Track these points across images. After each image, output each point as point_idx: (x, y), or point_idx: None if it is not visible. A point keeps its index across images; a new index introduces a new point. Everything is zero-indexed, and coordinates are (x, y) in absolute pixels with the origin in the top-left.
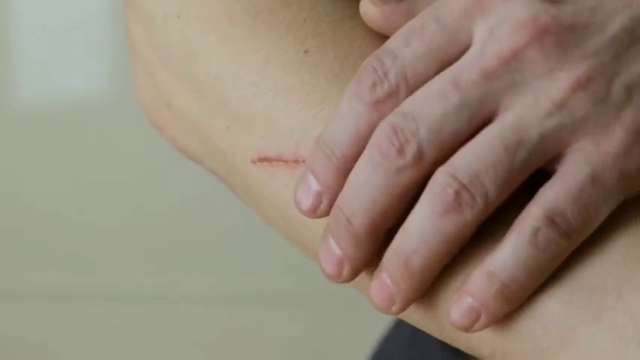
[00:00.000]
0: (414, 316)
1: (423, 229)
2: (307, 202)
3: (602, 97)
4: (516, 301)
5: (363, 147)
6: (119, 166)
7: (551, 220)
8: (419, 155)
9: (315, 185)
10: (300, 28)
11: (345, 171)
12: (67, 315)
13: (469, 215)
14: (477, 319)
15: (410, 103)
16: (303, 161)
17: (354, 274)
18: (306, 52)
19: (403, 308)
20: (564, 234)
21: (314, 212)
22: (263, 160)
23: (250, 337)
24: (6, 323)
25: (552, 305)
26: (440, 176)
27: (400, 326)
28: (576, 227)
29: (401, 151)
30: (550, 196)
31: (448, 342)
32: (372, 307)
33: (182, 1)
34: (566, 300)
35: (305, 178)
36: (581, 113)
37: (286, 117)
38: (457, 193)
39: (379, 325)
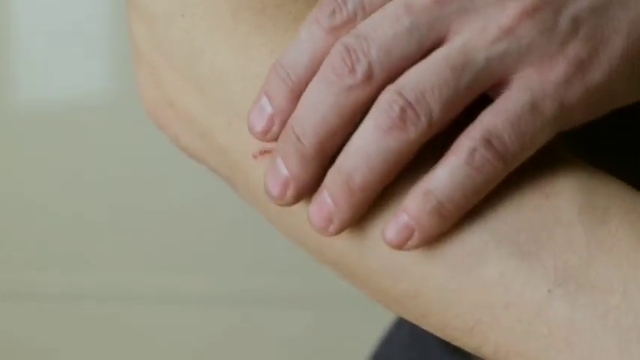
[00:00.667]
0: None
1: (366, 145)
2: (260, 124)
3: (549, 27)
4: (450, 220)
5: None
6: (119, 166)
7: (488, 141)
8: (369, 74)
9: (268, 108)
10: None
11: (298, 94)
12: (67, 315)
13: (413, 133)
14: (409, 236)
15: (364, 25)
16: None
17: (297, 197)
18: None
19: (340, 228)
20: (500, 156)
21: (265, 135)
22: (265, 152)
23: (250, 337)
24: (6, 323)
25: (557, 304)
26: (387, 94)
27: (400, 326)
28: (512, 151)
29: (352, 70)
30: (489, 119)
31: (452, 341)
32: (372, 307)
33: (186, 1)
34: (571, 299)
35: (259, 101)
36: (527, 41)
37: None
38: (402, 110)
39: (379, 325)
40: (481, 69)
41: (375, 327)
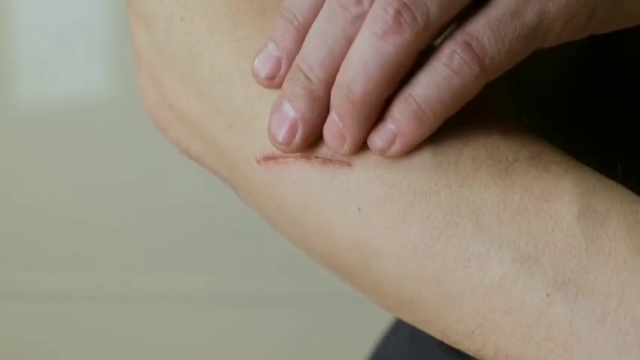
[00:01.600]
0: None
1: (362, 54)
2: (265, 69)
3: None
4: (428, 126)
5: None
6: (119, 166)
7: (468, 44)
8: (374, 1)
9: (274, 52)
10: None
11: (304, 34)
12: (66, 315)
13: (408, 35)
14: (392, 141)
15: None
16: (316, 157)
17: (306, 140)
18: None
19: (354, 145)
20: (478, 59)
21: (272, 80)
22: (269, 158)
23: (249, 337)
24: (6, 323)
25: (556, 309)
26: (381, 0)
27: (400, 326)
28: (490, 55)
29: (358, 1)
30: (471, 23)
31: (453, 344)
32: (372, 307)
33: (186, 4)
34: (570, 303)
35: (265, 46)
36: None
37: None
38: (397, 12)
39: (379, 325)
40: None
41: (375, 327)
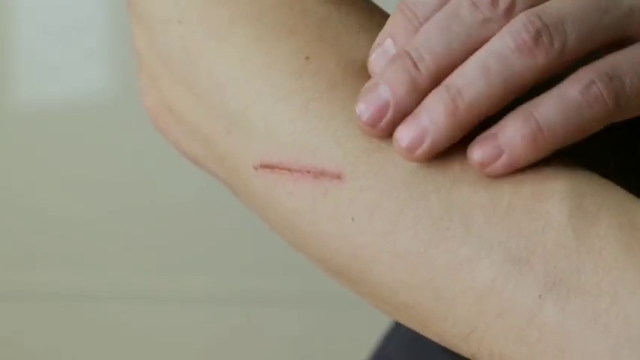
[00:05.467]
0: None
1: (487, 61)
2: (380, 64)
3: None
4: (542, 151)
5: None
6: (119, 166)
7: (610, 77)
8: (510, 7)
9: (391, 49)
10: (303, 33)
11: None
12: (67, 315)
13: (541, 59)
14: (496, 159)
15: None
16: (307, 171)
17: (393, 126)
18: (307, 58)
19: (430, 151)
20: (615, 95)
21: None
22: (265, 166)
23: (250, 337)
24: (6, 323)
25: (548, 310)
26: (524, 16)
27: (400, 326)
28: (628, 95)
29: (494, 3)
30: (616, 57)
31: (450, 347)
32: (372, 308)
33: (184, 7)
34: (562, 304)
35: (382, 43)
36: None
37: (287, 124)
38: (537, 32)
39: (379, 325)
40: (623, 16)
41: (375, 327)
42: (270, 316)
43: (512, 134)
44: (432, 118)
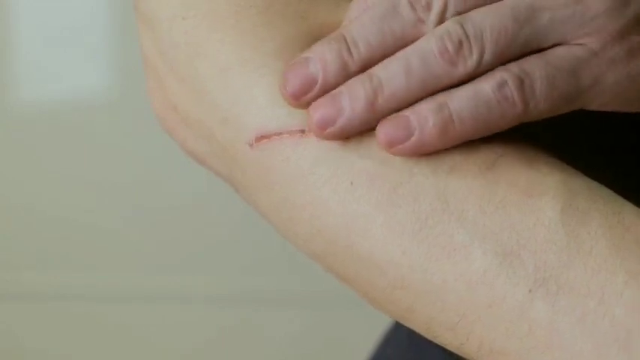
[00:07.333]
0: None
1: (411, 60)
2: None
3: (618, 7)
4: (449, 140)
5: None
6: (119, 166)
7: (521, 80)
8: (443, 11)
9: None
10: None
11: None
12: (67, 315)
13: (461, 68)
14: (404, 140)
15: None
16: (301, 130)
17: (314, 99)
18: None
19: (341, 133)
20: (524, 99)
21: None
22: (262, 138)
23: (250, 337)
24: (6, 323)
25: (538, 305)
26: (450, 23)
27: (399, 327)
28: (536, 99)
29: (428, 7)
30: (531, 62)
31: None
32: (372, 308)
33: (188, 3)
34: (551, 300)
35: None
36: (593, 13)
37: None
38: (460, 42)
39: (379, 325)
40: (542, 27)
41: (375, 327)
42: (270, 316)
43: (424, 121)
44: (351, 102)
